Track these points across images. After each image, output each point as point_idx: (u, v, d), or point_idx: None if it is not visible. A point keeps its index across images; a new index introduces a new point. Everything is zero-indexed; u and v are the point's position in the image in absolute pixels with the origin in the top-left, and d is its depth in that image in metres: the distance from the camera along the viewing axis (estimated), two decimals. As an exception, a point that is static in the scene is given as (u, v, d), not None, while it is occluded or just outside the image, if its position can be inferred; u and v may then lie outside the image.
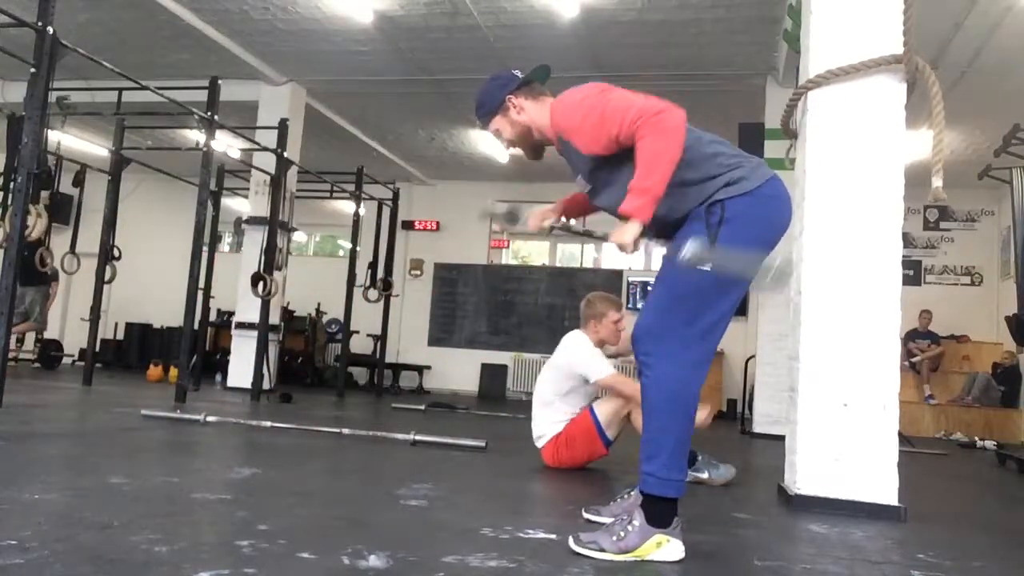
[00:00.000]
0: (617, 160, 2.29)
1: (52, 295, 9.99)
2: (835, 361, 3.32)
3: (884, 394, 3.25)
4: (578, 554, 2.10)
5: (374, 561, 1.86)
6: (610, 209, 2.37)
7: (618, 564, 2.06)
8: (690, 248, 2.13)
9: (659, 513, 2.13)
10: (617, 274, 13.03)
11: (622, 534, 2.12)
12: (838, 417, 3.27)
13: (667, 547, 2.12)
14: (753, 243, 2.20)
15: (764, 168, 2.29)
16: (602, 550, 2.10)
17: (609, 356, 4.23)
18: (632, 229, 2.16)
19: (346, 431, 4.96)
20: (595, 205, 2.57)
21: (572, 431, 4.06)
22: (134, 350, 12.97)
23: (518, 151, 2.57)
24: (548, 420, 4.12)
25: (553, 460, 4.07)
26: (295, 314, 12.11)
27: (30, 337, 11.01)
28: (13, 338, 7.39)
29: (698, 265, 2.14)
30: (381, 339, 10.76)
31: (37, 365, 10.99)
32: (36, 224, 5.32)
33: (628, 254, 2.25)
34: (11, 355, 6.78)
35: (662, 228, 2.35)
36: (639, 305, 12.62)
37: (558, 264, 15.23)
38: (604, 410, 4.03)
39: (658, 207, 2.16)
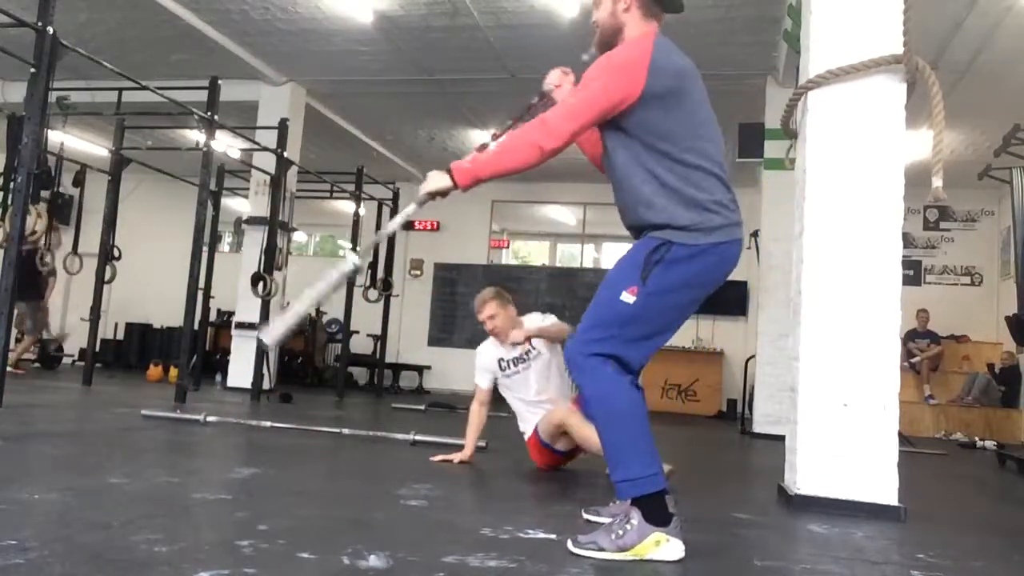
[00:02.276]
0: (613, 128, 2.33)
1: (50, 289, 9.96)
2: (835, 361, 3.32)
3: (884, 394, 3.25)
4: (578, 555, 2.10)
5: (374, 561, 1.86)
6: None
7: (618, 564, 2.06)
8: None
9: (655, 512, 2.14)
10: (617, 274, 13.01)
11: (620, 533, 2.13)
12: (838, 417, 3.27)
13: (666, 546, 2.12)
14: (681, 292, 2.26)
15: (734, 229, 2.32)
16: (601, 549, 2.11)
17: (551, 337, 4.11)
18: (439, 180, 2.27)
19: (346, 431, 4.96)
20: None
21: (529, 442, 4.05)
22: (134, 350, 12.97)
23: None
24: (521, 422, 4.12)
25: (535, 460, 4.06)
26: (295, 314, 12.10)
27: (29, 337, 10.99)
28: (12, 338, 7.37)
29: (622, 296, 2.21)
30: (381, 339, 10.76)
31: (37, 365, 10.98)
32: (36, 224, 5.32)
33: (416, 204, 2.35)
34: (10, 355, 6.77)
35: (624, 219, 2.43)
36: (639, 305, 12.63)
37: (558, 264, 15.25)
38: (541, 427, 3.94)
39: (628, 201, 2.32)
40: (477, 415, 4.08)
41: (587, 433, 3.48)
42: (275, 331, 2.32)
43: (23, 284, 8.80)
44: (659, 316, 2.25)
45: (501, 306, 4.12)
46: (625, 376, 2.22)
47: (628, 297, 2.20)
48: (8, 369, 9.28)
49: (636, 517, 2.14)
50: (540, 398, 4.02)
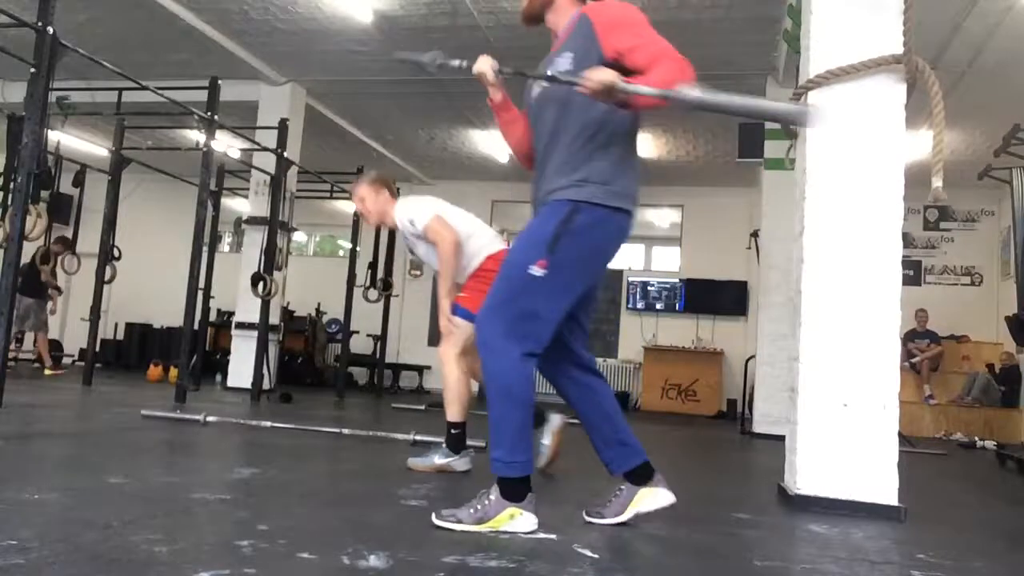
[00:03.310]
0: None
1: (53, 301, 10.02)
2: (835, 361, 3.32)
3: (884, 394, 3.25)
4: (439, 527, 2.25)
5: (374, 561, 1.86)
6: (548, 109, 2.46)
7: (615, 565, 2.06)
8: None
9: (512, 489, 2.30)
10: (617, 274, 13.03)
11: (479, 507, 2.29)
12: (838, 417, 3.27)
13: (520, 519, 2.28)
14: (589, 260, 2.37)
15: (632, 201, 2.41)
16: (460, 522, 2.27)
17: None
18: (612, 74, 2.16)
19: (346, 431, 4.97)
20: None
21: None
22: (134, 350, 12.98)
23: None
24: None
25: None
26: (295, 314, 12.11)
27: (29, 337, 11.00)
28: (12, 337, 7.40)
29: (530, 269, 2.26)
30: (381, 339, 10.76)
31: (37, 365, 10.98)
32: (36, 225, 5.33)
33: (592, 90, 2.18)
34: (11, 355, 6.78)
35: (538, 183, 2.46)
36: (639, 305, 12.63)
37: (558, 264, 15.23)
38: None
39: (571, 153, 2.35)
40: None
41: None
42: (701, 95, 2.22)
43: (33, 282, 8.97)
44: (568, 288, 2.33)
45: (372, 190, 3.96)
46: (529, 360, 2.30)
47: (537, 270, 2.25)
48: (47, 372, 9.40)
49: (494, 493, 2.30)
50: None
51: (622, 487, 2.59)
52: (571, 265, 2.30)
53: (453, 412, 3.75)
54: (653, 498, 2.55)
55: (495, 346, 2.28)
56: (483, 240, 3.89)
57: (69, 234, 8.84)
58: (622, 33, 2.36)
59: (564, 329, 2.44)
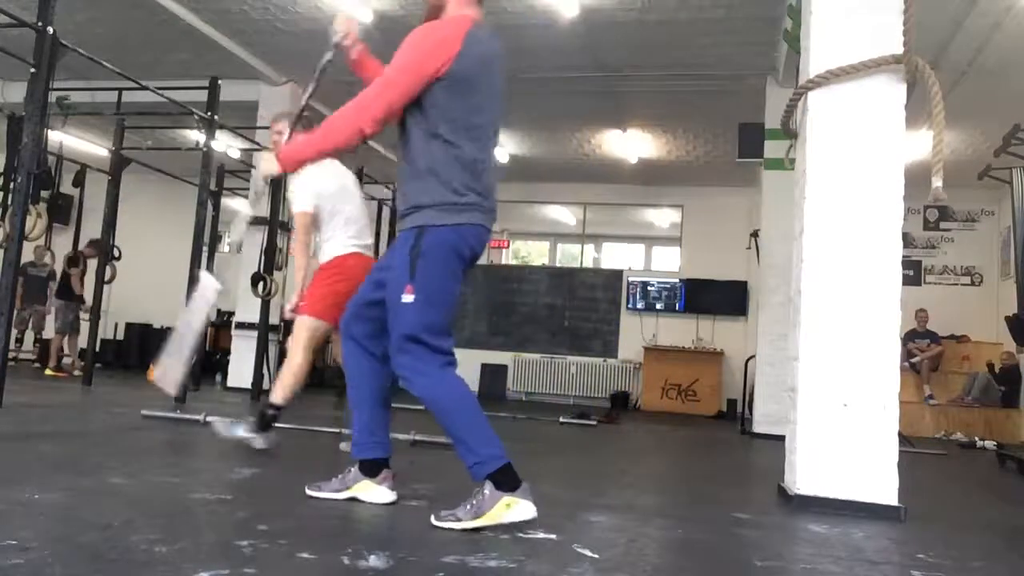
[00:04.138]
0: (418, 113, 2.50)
1: (50, 294, 10.11)
2: (835, 361, 3.32)
3: (884, 394, 3.25)
4: (442, 528, 2.30)
5: (374, 561, 1.86)
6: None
7: (615, 565, 2.06)
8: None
9: (503, 479, 2.35)
10: (617, 274, 13.03)
11: (474, 502, 2.34)
12: (838, 417, 3.27)
13: (516, 508, 2.32)
14: (447, 276, 2.47)
15: (479, 215, 2.50)
16: (459, 520, 2.32)
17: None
18: (269, 166, 2.53)
19: (346, 431, 4.95)
20: None
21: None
22: (134, 350, 12.97)
23: None
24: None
25: None
26: (295, 314, 12.10)
27: (29, 337, 11.01)
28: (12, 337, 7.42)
29: (403, 299, 2.42)
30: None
31: (37, 365, 10.98)
32: (36, 225, 5.33)
33: (255, 193, 2.46)
34: (11, 355, 6.78)
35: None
36: (639, 305, 12.63)
37: (558, 264, 15.24)
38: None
39: (409, 178, 2.51)
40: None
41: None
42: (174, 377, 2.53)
43: (62, 285, 9.20)
44: (440, 298, 2.47)
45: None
46: (447, 368, 2.46)
47: (408, 297, 2.42)
48: (47, 372, 9.45)
49: (488, 488, 2.34)
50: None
51: (352, 469, 2.71)
52: (434, 281, 2.44)
53: (279, 395, 3.92)
54: (372, 493, 2.66)
55: (413, 372, 2.44)
56: (339, 233, 4.05)
57: (70, 234, 8.84)
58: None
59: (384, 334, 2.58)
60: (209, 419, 3.76)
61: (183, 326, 2.53)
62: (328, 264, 4.05)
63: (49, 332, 11.49)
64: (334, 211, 4.01)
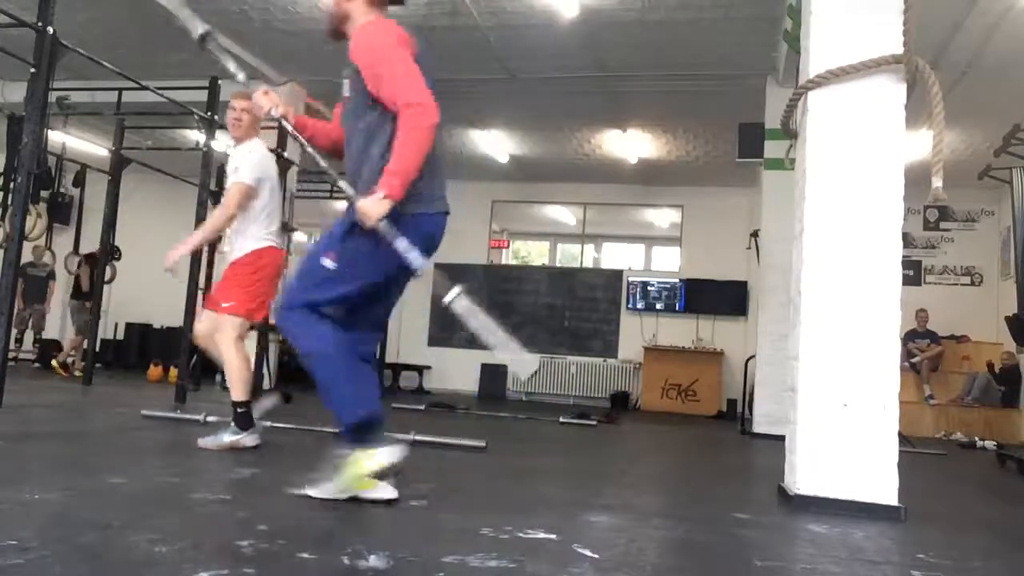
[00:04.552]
0: (375, 110, 2.56)
1: (50, 293, 10.16)
2: (835, 361, 3.32)
3: (884, 394, 3.25)
4: (306, 496, 2.46)
5: (374, 561, 1.86)
6: (349, 144, 2.68)
7: (615, 565, 2.06)
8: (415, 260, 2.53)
9: (360, 435, 2.51)
10: (617, 274, 13.03)
11: (336, 464, 2.51)
12: (838, 417, 3.27)
13: (377, 455, 2.49)
14: (376, 256, 2.53)
15: (431, 203, 2.62)
16: (324, 483, 2.48)
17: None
18: (384, 205, 2.45)
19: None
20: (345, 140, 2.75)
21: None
22: (134, 350, 12.96)
23: None
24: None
25: None
26: (295, 314, 12.11)
27: (29, 337, 11.01)
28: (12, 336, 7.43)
29: (322, 259, 2.51)
30: (381, 339, 10.76)
31: (37, 365, 10.98)
32: (36, 225, 5.33)
33: (368, 224, 2.46)
34: (11, 355, 6.78)
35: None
36: (639, 305, 12.63)
37: (558, 264, 15.25)
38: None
39: (360, 164, 2.57)
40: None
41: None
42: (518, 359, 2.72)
43: (77, 287, 9.32)
44: (355, 280, 2.55)
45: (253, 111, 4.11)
46: (331, 330, 2.52)
47: (327, 261, 2.51)
48: (54, 363, 9.51)
49: (347, 446, 2.50)
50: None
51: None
52: (358, 259, 2.53)
53: (238, 392, 3.99)
54: (372, 490, 2.64)
55: (300, 331, 2.53)
56: (257, 225, 4.12)
57: (70, 234, 8.84)
58: (371, 65, 2.53)
59: (351, 319, 2.66)
60: (199, 443, 3.81)
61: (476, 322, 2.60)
62: (245, 260, 4.10)
63: (49, 332, 11.52)
64: (264, 200, 4.11)
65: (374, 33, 2.58)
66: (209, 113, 7.00)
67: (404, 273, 2.64)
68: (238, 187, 3.98)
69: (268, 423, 5.06)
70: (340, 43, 2.76)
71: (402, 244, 2.47)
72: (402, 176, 2.45)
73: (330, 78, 9.33)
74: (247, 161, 4.05)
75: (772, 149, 7.84)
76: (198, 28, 2.82)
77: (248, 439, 3.92)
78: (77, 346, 9.90)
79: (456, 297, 2.59)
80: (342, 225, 2.59)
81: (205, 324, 4.13)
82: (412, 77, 2.49)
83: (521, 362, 2.76)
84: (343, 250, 2.54)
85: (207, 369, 10.03)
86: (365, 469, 2.49)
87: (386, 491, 2.58)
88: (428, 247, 2.61)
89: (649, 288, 12.68)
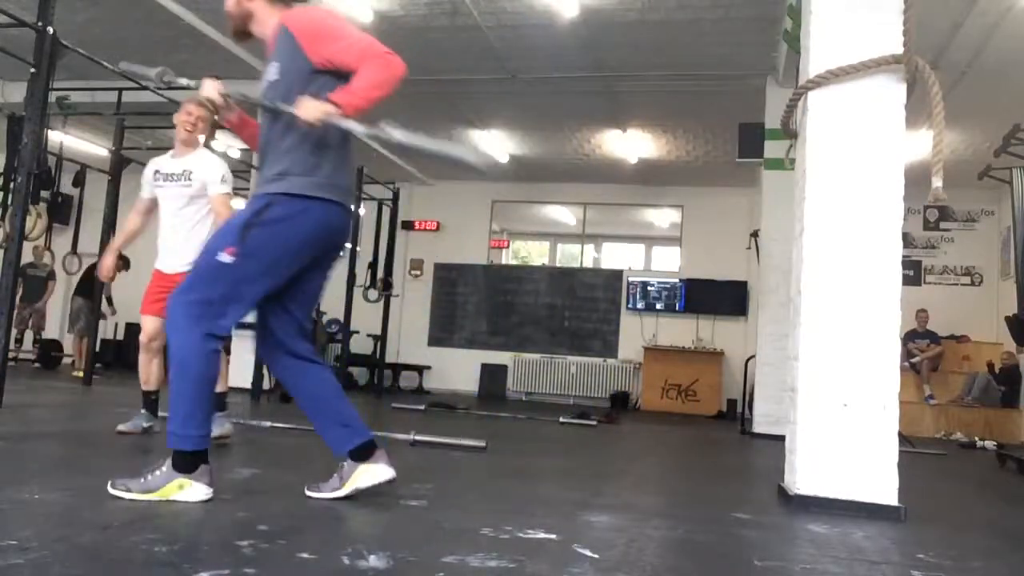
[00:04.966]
0: (312, 87, 2.51)
1: (48, 292, 10.17)
2: (835, 361, 3.32)
3: (884, 394, 3.25)
4: (114, 496, 2.36)
5: (374, 561, 1.86)
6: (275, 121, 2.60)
7: (615, 565, 2.06)
8: None
9: (183, 461, 2.40)
10: (617, 274, 13.03)
11: (149, 478, 2.40)
12: (838, 417, 3.27)
13: (189, 489, 2.40)
14: (284, 250, 2.47)
15: (334, 192, 2.54)
16: (129, 490, 2.38)
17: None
18: (325, 108, 2.41)
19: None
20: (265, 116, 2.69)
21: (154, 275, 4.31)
22: (134, 350, 12.92)
23: None
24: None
25: None
26: (295, 314, 12.10)
27: (29, 337, 11.01)
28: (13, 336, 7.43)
29: (219, 256, 2.41)
30: (381, 339, 10.76)
31: (37, 365, 10.98)
32: (36, 225, 5.33)
33: (308, 123, 2.42)
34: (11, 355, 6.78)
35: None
36: (639, 305, 12.63)
37: (558, 264, 15.25)
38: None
39: (279, 148, 2.52)
40: (130, 221, 4.30)
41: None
42: (399, 133, 2.57)
43: (85, 284, 9.27)
44: (258, 275, 2.44)
45: (208, 119, 4.31)
46: (211, 341, 2.41)
47: (225, 257, 2.39)
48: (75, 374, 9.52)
49: (166, 465, 2.41)
50: (176, 221, 4.13)
51: (344, 463, 2.67)
52: (262, 254, 2.43)
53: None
54: (371, 473, 2.63)
55: (179, 325, 2.41)
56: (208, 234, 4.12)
57: (69, 234, 8.84)
58: (323, 40, 2.51)
59: (273, 321, 2.62)
60: (118, 428, 4.02)
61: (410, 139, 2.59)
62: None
63: (49, 332, 11.51)
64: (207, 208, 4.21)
65: (308, 10, 2.60)
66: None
67: (325, 255, 2.61)
68: (224, 200, 4.12)
69: (268, 423, 5.06)
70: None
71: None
72: (360, 97, 2.44)
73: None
74: (222, 170, 4.20)
75: (772, 149, 7.84)
76: (150, 72, 2.82)
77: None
78: (79, 347, 9.92)
79: (388, 129, 2.55)
80: (241, 215, 2.50)
81: (158, 324, 4.13)
82: (371, 39, 2.50)
83: (479, 152, 2.68)
84: (243, 243, 2.41)
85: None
86: (176, 497, 2.39)
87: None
88: (326, 237, 2.56)
89: (649, 288, 12.68)
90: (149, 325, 4.17)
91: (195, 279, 2.45)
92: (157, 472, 2.41)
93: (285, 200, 2.46)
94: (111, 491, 2.40)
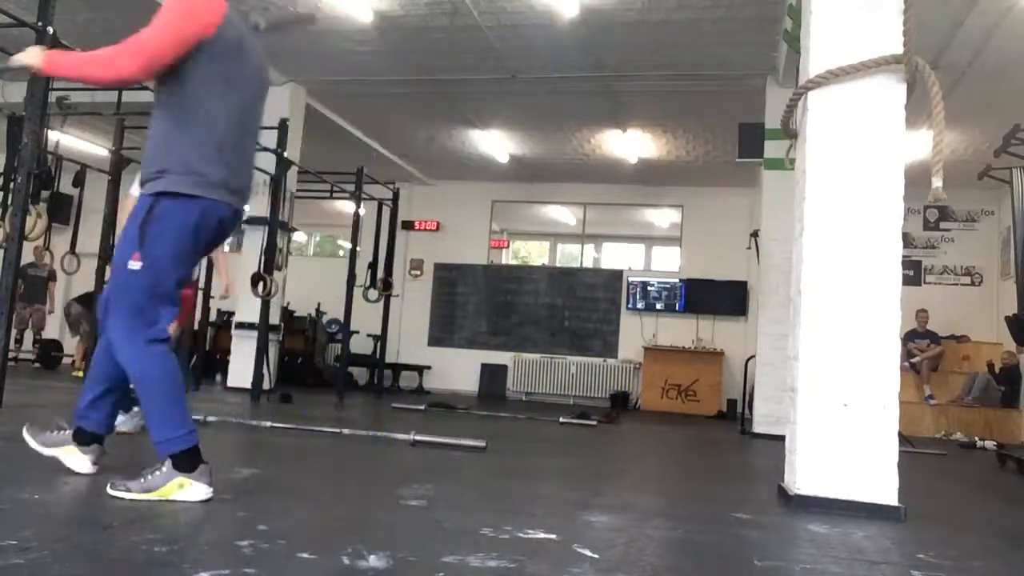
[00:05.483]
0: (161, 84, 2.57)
1: (50, 293, 10.19)
2: (835, 361, 3.32)
3: (884, 394, 3.25)
4: (113, 497, 2.37)
5: (374, 561, 1.86)
6: None
7: (615, 565, 2.06)
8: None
9: (182, 460, 2.43)
10: (617, 274, 13.03)
11: (149, 478, 2.42)
12: (838, 417, 3.27)
13: (189, 488, 2.42)
14: (178, 245, 2.51)
15: (212, 190, 2.53)
16: (129, 491, 2.39)
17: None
18: (31, 57, 2.59)
19: (346, 431, 4.96)
20: None
21: None
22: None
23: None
24: None
25: None
26: (295, 314, 12.10)
27: (29, 337, 11.01)
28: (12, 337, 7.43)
29: (129, 265, 2.46)
30: (381, 339, 10.76)
31: (37, 365, 10.98)
32: (36, 225, 5.33)
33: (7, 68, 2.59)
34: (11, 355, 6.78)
35: None
36: (639, 305, 12.63)
37: (558, 264, 15.25)
38: None
39: (150, 144, 2.57)
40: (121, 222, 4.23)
41: None
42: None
43: (85, 296, 9.34)
44: (167, 271, 2.50)
45: None
46: (155, 345, 2.47)
47: (134, 264, 2.45)
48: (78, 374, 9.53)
49: (166, 465, 2.43)
50: None
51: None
52: (163, 251, 2.48)
53: None
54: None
55: (123, 343, 2.48)
56: None
57: (68, 234, 8.83)
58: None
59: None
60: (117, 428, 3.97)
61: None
62: None
63: (49, 332, 11.51)
64: None
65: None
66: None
67: (208, 240, 2.63)
68: None
69: (268, 423, 5.07)
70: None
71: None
72: (66, 64, 2.56)
73: (330, 78, 9.40)
74: None
75: (772, 149, 7.84)
76: None
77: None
78: (81, 350, 9.93)
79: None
80: (134, 221, 2.52)
81: None
82: (156, 36, 2.47)
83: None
84: (144, 246, 2.46)
85: (207, 369, 10.04)
86: (176, 496, 2.40)
87: (89, 467, 2.60)
88: (208, 232, 2.57)
89: (649, 288, 12.68)
90: None
91: (118, 293, 2.50)
92: (157, 472, 2.43)
93: (166, 198, 2.49)
94: (111, 492, 2.40)
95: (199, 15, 2.49)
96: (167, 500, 2.38)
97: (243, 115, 2.64)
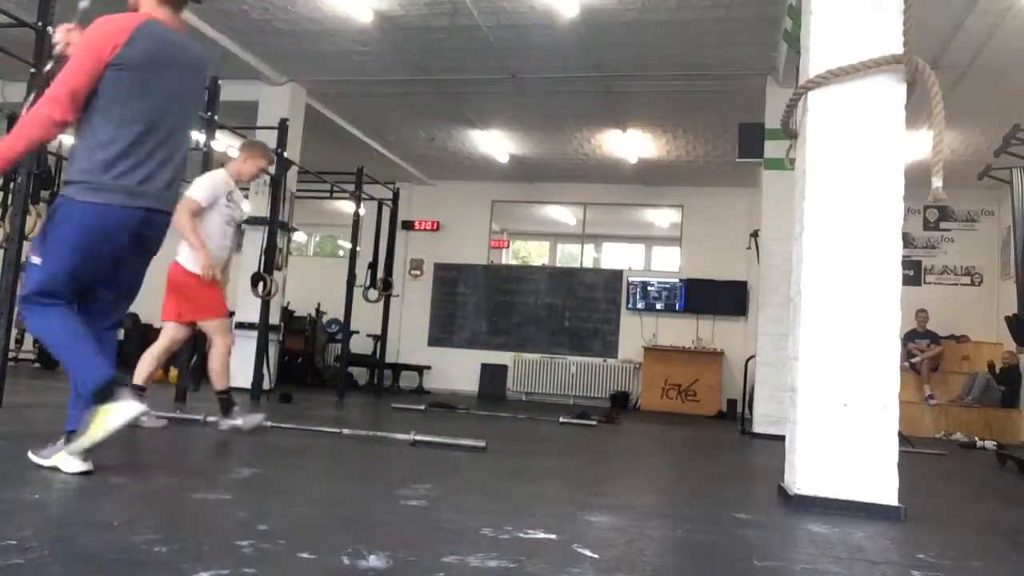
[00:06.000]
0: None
1: None
2: (835, 361, 3.32)
3: (884, 394, 3.25)
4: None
5: (374, 561, 1.86)
6: None
7: (615, 565, 2.06)
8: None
9: (101, 396, 2.62)
10: (617, 274, 13.04)
11: (81, 435, 2.62)
12: (838, 417, 3.27)
13: (116, 411, 2.59)
14: (68, 250, 2.72)
15: (117, 196, 2.72)
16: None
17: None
18: None
19: (346, 431, 4.96)
20: None
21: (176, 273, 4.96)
22: (134, 350, 12.94)
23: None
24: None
25: None
26: (295, 314, 12.11)
27: (30, 337, 11.00)
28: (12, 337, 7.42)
29: (32, 260, 2.75)
30: (381, 339, 10.76)
31: (37, 365, 10.98)
32: (36, 225, 5.32)
33: None
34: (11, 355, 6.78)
35: None
36: (639, 305, 12.64)
37: (558, 264, 15.26)
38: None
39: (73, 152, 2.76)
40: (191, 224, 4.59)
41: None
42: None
43: None
44: (63, 267, 2.72)
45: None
46: (52, 307, 2.72)
47: (35, 260, 2.74)
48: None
49: (91, 412, 2.61)
50: (224, 242, 4.79)
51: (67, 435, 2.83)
52: (55, 253, 2.72)
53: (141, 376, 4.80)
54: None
55: (32, 319, 2.78)
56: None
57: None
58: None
59: (83, 301, 2.88)
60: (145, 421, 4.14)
61: None
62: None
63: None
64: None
65: (87, 31, 2.75)
66: (209, 113, 6.99)
67: (130, 253, 2.82)
68: (184, 203, 4.55)
69: (269, 423, 5.06)
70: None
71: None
72: (8, 147, 2.64)
73: (330, 78, 9.40)
74: (201, 179, 4.98)
75: (772, 149, 7.84)
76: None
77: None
78: None
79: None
80: (44, 226, 2.80)
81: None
82: (66, 76, 2.64)
83: None
84: (44, 246, 2.74)
85: (207, 369, 10.03)
86: (108, 422, 2.57)
87: (82, 465, 2.68)
88: (104, 238, 2.73)
89: (649, 288, 12.69)
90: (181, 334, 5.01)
91: (28, 280, 2.79)
92: (85, 416, 2.61)
93: (65, 204, 2.70)
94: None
95: (100, 45, 2.66)
96: (104, 433, 2.56)
97: (159, 116, 2.79)
